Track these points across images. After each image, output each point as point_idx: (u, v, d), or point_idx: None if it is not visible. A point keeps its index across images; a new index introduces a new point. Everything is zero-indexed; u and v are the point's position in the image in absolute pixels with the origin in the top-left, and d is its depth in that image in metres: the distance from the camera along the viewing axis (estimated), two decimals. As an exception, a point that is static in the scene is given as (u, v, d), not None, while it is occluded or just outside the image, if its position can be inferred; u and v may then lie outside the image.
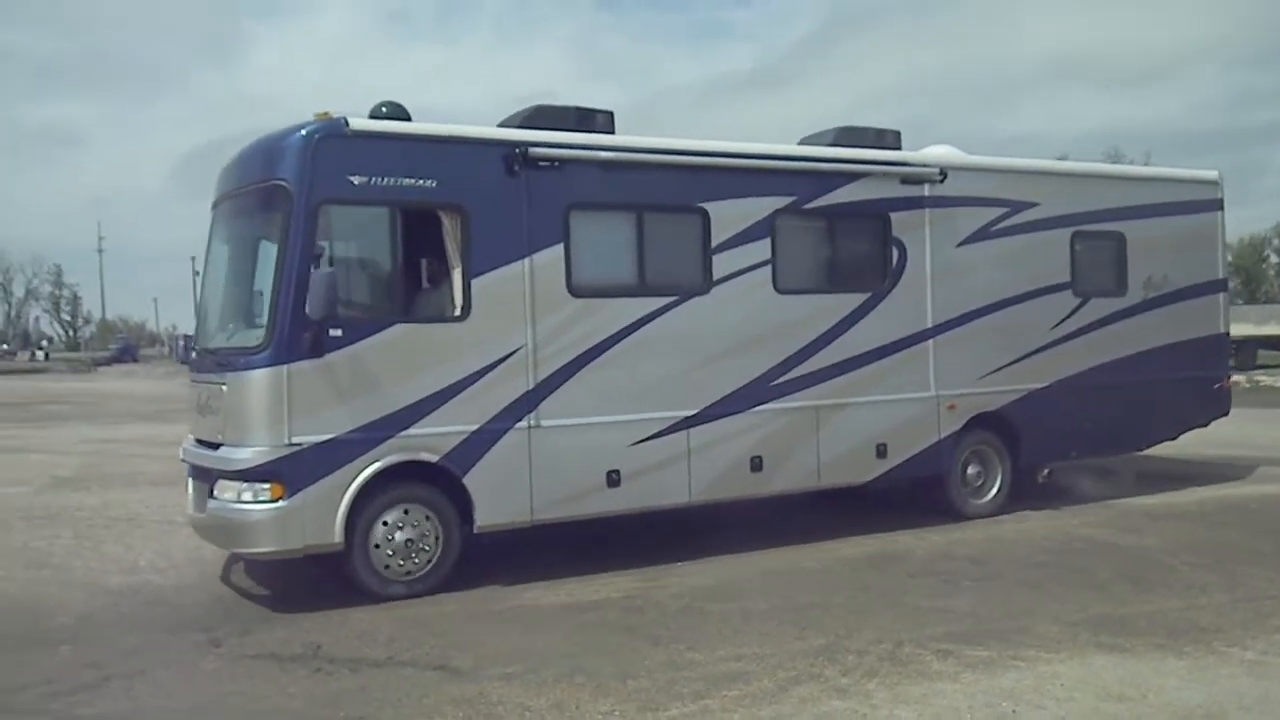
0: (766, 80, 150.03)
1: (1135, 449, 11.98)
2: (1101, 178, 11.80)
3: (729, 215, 9.00)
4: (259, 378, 7.38)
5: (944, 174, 10.06)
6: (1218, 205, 12.03)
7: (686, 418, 8.79)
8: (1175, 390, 11.51)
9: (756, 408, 9.12)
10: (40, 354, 76.50)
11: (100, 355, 74.83)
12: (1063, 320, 10.81)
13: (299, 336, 7.34)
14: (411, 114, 8.20)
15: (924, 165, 10.01)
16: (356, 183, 7.56)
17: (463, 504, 7.97)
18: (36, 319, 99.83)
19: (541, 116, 8.77)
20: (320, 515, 7.44)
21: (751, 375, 9.11)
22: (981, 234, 10.33)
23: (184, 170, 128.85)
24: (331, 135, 7.52)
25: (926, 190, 10.01)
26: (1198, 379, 11.77)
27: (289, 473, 7.37)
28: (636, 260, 8.68)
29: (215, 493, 7.59)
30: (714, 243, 8.94)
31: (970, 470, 10.40)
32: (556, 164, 8.29)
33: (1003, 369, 10.44)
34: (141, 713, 5.64)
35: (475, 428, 7.97)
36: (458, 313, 7.95)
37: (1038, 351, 10.65)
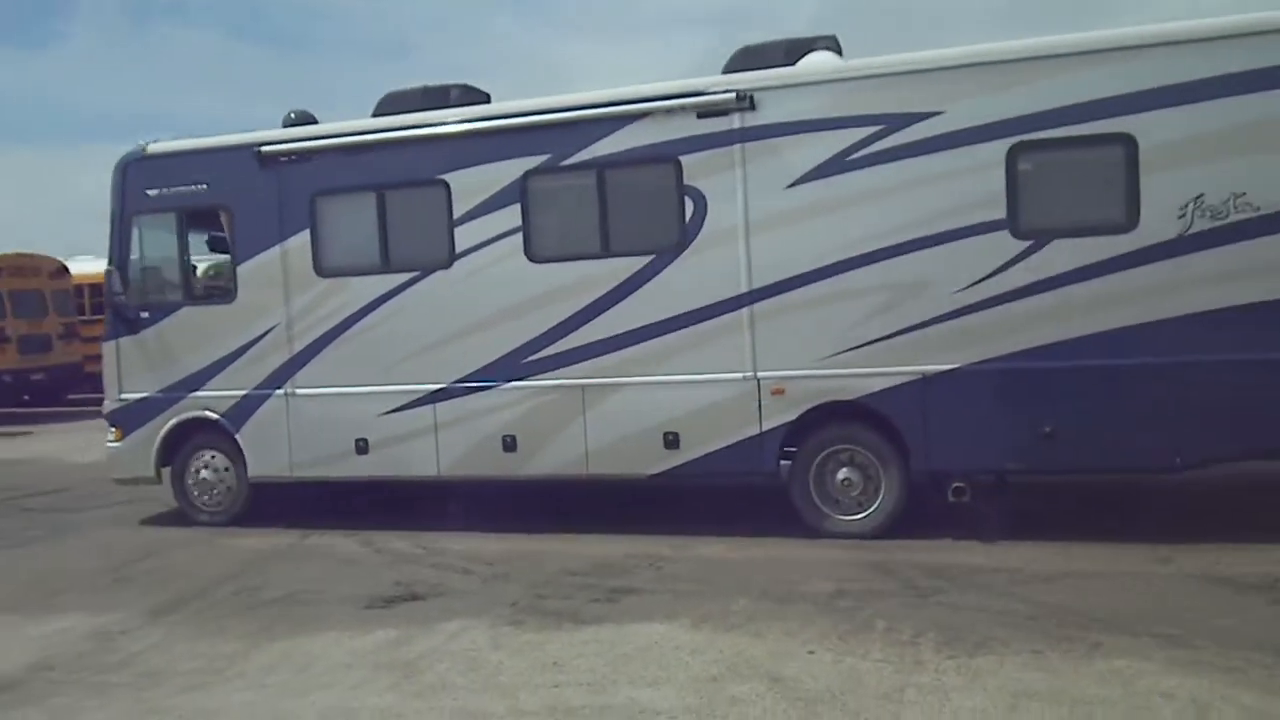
0: None
1: (1154, 467, 7.63)
2: (1084, 54, 7.39)
3: (471, 184, 8.64)
4: (104, 348, 9.93)
5: (750, 99, 7.90)
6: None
7: (432, 392, 8.85)
8: (1249, 382, 7.06)
9: (508, 384, 8.66)
10: None
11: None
12: (987, 277, 7.52)
13: (119, 319, 9.70)
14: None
15: (718, 92, 7.97)
16: (153, 195, 9.53)
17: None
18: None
19: (389, 101, 9.47)
20: (142, 454, 9.73)
21: (502, 350, 8.65)
22: (830, 167, 7.78)
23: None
24: (134, 160, 9.60)
25: (736, 122, 7.98)
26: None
27: (123, 420, 9.81)
28: (379, 239, 8.95)
29: None
30: (456, 215, 8.69)
31: (840, 476, 8.06)
32: (297, 157, 9.09)
33: (868, 345, 7.79)
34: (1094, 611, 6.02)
35: (244, 392, 9.39)
36: (229, 295, 9.41)
37: (939, 320, 7.65)
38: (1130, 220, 7.23)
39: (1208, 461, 7.53)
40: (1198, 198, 7.09)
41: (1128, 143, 7.20)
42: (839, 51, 8.45)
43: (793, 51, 8.34)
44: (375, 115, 9.31)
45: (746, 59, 8.44)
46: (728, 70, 8.44)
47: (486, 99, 9.31)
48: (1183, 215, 7.12)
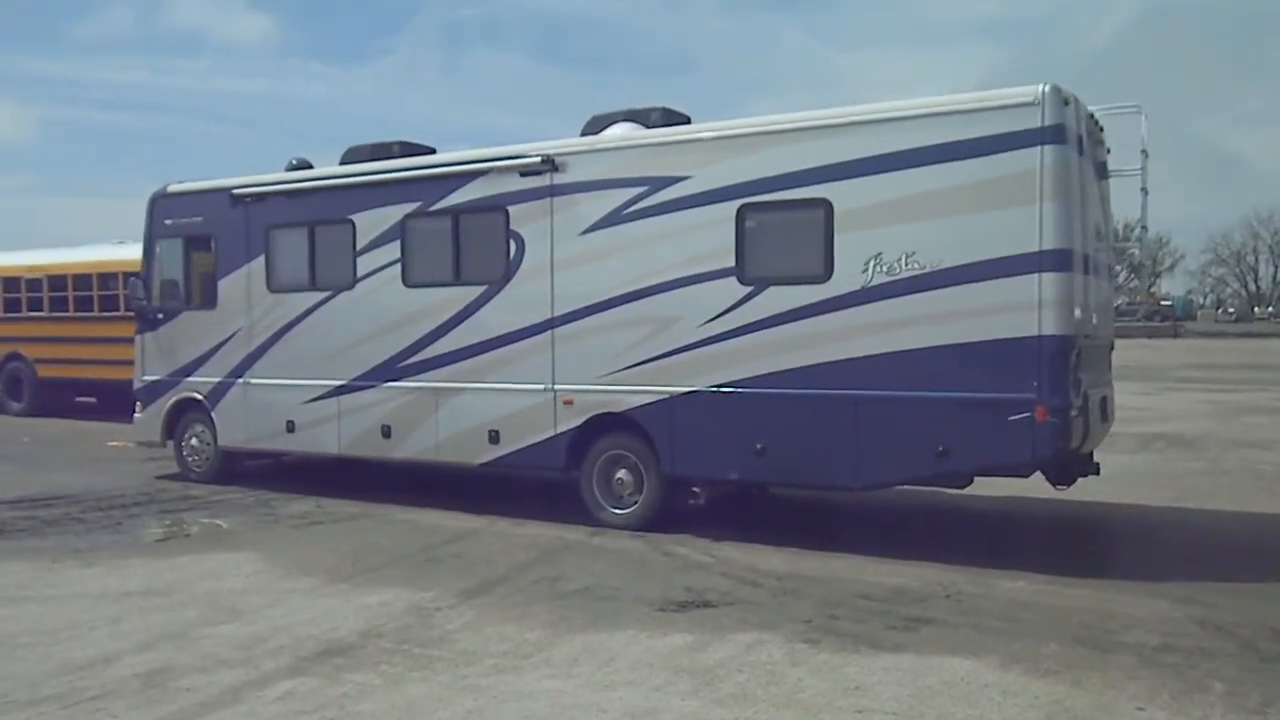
0: None
1: (844, 486, 8.75)
2: (797, 131, 8.52)
3: (369, 223, 10.85)
4: (135, 340, 12.88)
5: (551, 162, 9.65)
6: (1042, 139, 7.67)
7: (338, 387, 11.13)
8: (922, 415, 8.13)
9: (386, 384, 10.79)
10: None
11: None
12: (721, 314, 8.93)
13: (143, 319, 12.64)
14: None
15: (531, 156, 9.76)
16: (169, 224, 12.40)
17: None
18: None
19: (350, 153, 11.91)
20: (154, 423, 12.62)
21: (384, 357, 10.79)
22: (611, 219, 9.43)
23: None
24: (160, 196, 12.50)
25: (550, 180, 9.76)
26: (976, 403, 7.94)
27: (144, 396, 12.75)
28: (309, 264, 11.34)
29: None
30: (359, 246, 10.93)
31: (619, 475, 9.65)
32: (258, 199, 11.62)
33: (634, 368, 9.37)
34: None
35: (219, 379, 12.04)
36: (212, 304, 12.09)
37: (682, 350, 9.13)
38: (826, 272, 8.48)
39: (879, 485, 8.66)
40: (877, 255, 8.26)
41: (826, 206, 8.46)
42: (681, 121, 10.01)
43: (627, 120, 10.04)
44: (341, 164, 11.72)
45: (594, 124, 10.21)
46: (584, 132, 10.24)
47: (430, 151, 11.49)
48: (865, 270, 8.30)
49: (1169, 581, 7.64)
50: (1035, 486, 8.84)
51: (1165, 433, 16.24)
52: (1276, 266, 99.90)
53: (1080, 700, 5.31)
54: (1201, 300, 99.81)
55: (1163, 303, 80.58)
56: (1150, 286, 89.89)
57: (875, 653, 6.07)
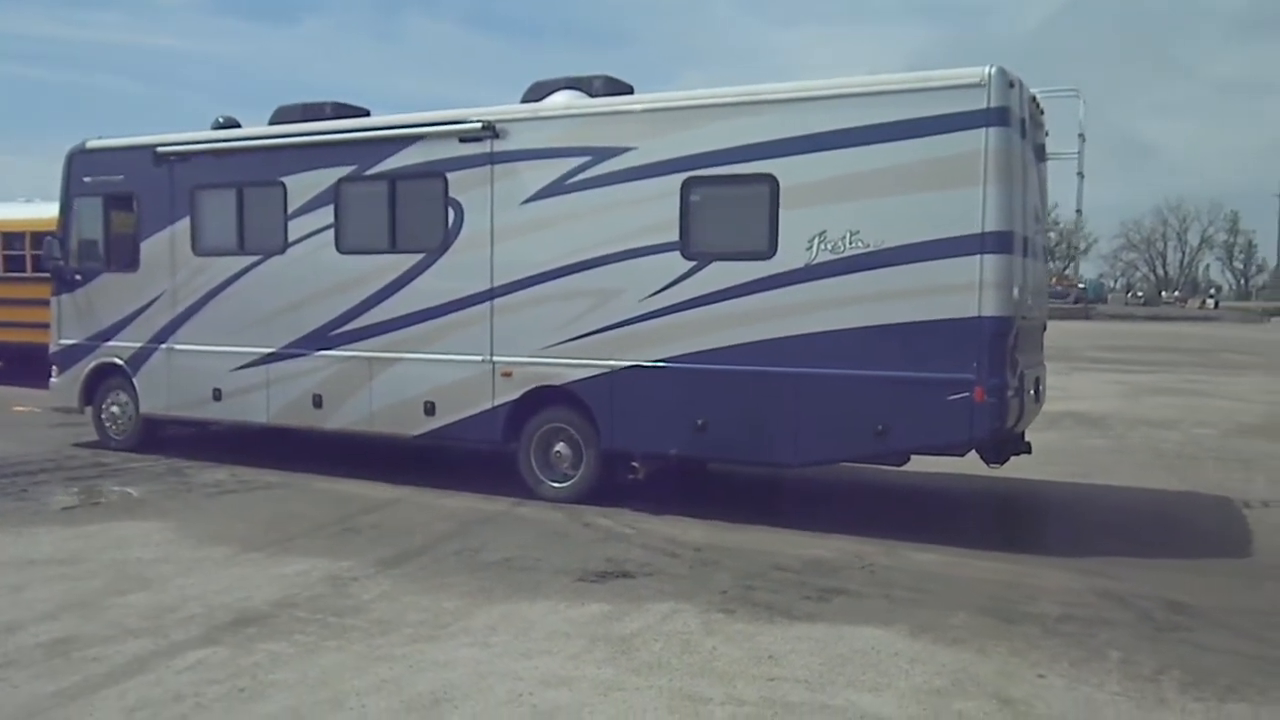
0: None
1: (783, 463, 8.85)
2: (744, 105, 8.54)
3: (301, 186, 10.53)
4: (51, 302, 12.36)
5: (492, 128, 9.47)
6: (986, 120, 7.74)
7: (267, 354, 10.82)
8: (862, 394, 8.19)
9: (318, 353, 10.52)
10: (1210, 302, 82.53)
11: (1274, 305, 72.90)
12: (663, 289, 8.87)
13: (59, 280, 12.12)
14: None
15: (471, 122, 9.57)
16: (88, 181, 11.88)
17: (144, 395, 11.78)
18: (1207, 267, 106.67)
19: (280, 113, 11.49)
20: (72, 388, 12.14)
21: (315, 325, 10.51)
22: (553, 189, 9.29)
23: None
24: (79, 152, 11.97)
25: (490, 147, 9.57)
26: (916, 382, 8.03)
27: (60, 360, 12.26)
28: (236, 227, 10.98)
29: None
30: (290, 210, 10.61)
31: (557, 449, 9.56)
32: (182, 158, 11.20)
33: (574, 340, 9.27)
34: None
35: (140, 345, 11.63)
36: (134, 266, 11.64)
37: (624, 324, 9.05)
38: (770, 249, 8.47)
39: (818, 462, 8.75)
40: (821, 233, 8.27)
41: (771, 182, 8.44)
42: (625, 90, 9.86)
43: (569, 88, 9.86)
44: (270, 124, 11.33)
45: (535, 91, 10.01)
46: (525, 99, 10.04)
47: (365, 113, 11.15)
48: (809, 248, 8.31)
49: (1072, 555, 7.83)
50: (951, 462, 9.01)
51: (1073, 411, 16.64)
52: (1184, 253, 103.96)
53: (984, 668, 5.49)
54: (1112, 284, 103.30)
55: (1076, 285, 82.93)
56: (1066, 269, 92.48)
57: (789, 622, 6.19)
